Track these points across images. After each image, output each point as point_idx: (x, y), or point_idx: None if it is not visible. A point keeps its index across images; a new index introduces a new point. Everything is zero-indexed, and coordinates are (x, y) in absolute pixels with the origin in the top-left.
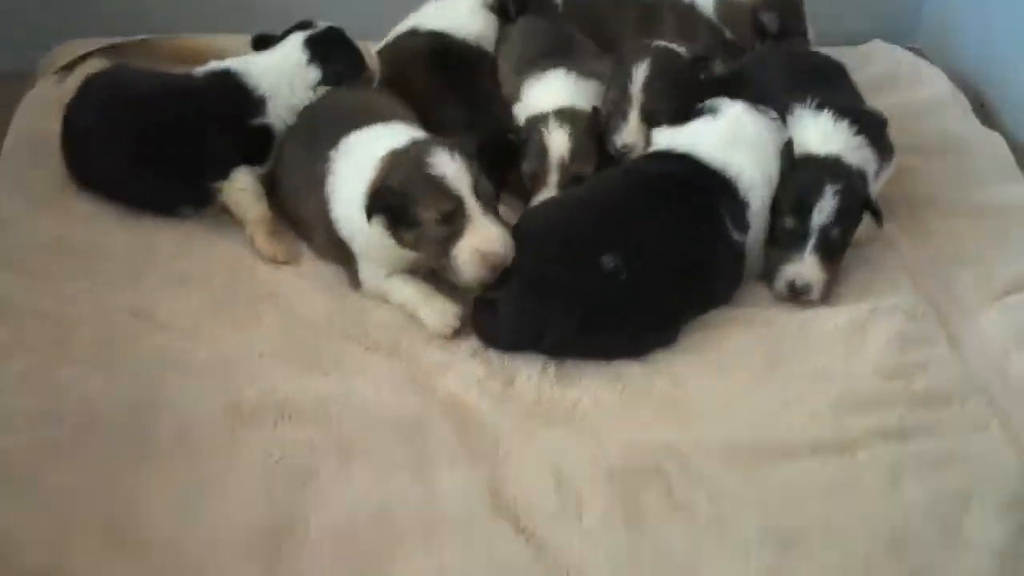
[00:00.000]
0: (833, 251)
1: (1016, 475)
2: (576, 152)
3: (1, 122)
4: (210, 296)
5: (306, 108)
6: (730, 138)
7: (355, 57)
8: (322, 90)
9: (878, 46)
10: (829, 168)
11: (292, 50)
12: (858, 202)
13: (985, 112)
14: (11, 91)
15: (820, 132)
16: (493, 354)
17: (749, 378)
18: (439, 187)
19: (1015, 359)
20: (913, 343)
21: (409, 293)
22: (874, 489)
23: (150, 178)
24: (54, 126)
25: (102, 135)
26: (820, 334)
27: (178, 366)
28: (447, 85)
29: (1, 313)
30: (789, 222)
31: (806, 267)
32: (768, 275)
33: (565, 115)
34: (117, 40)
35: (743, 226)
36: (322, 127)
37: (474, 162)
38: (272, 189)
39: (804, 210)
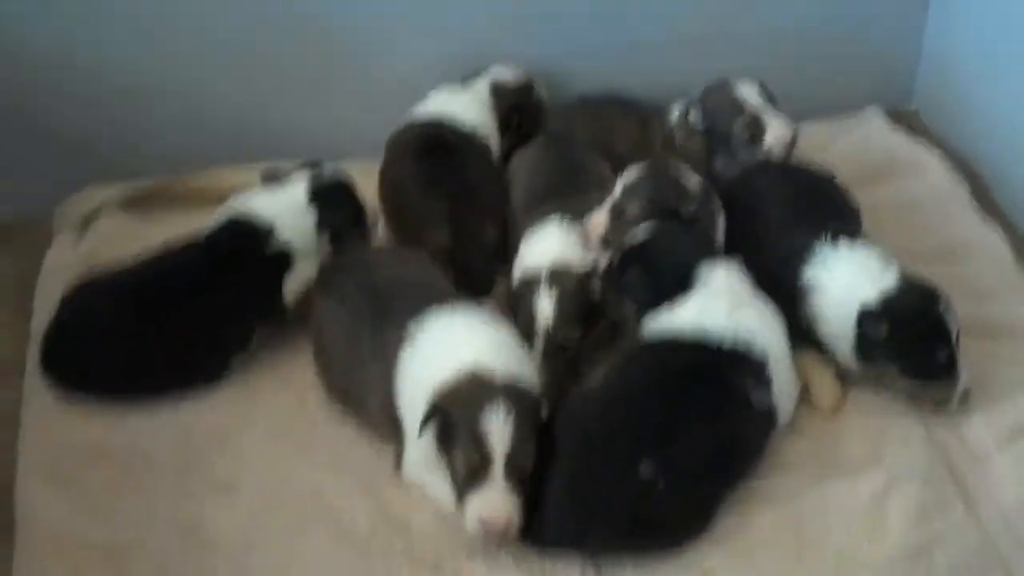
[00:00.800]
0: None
1: None
2: (564, 323)
3: (11, 271)
4: (253, 504)
5: (344, 267)
6: (732, 306)
7: (354, 209)
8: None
9: (872, 117)
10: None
11: (296, 190)
12: None
13: (983, 189)
14: (13, 237)
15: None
16: (535, 561)
17: (779, 568)
18: (478, 441)
19: None
20: (931, 512)
21: (448, 491)
22: None
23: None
24: None
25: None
26: (841, 511)
27: None
28: (434, 171)
29: (55, 546)
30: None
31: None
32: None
33: (556, 277)
34: (132, 184)
35: (767, 384)
36: (391, 294)
37: (527, 429)
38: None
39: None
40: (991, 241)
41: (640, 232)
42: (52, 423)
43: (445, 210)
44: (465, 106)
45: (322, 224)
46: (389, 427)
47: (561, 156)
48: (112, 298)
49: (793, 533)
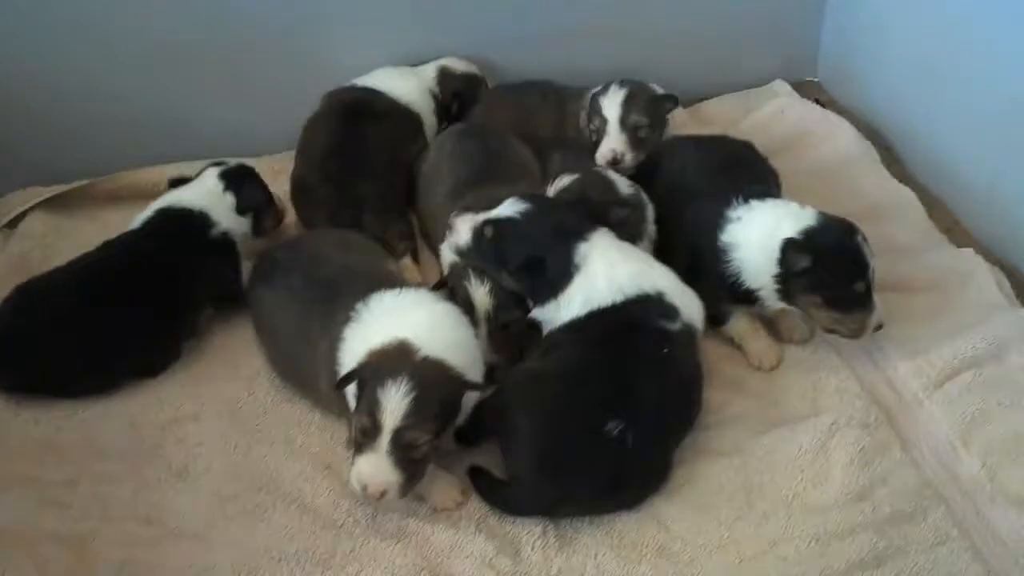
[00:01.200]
0: None
1: None
2: (502, 304)
3: None
4: (213, 490)
5: (284, 257)
6: (618, 269)
7: (264, 191)
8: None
9: (779, 90)
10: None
11: (209, 181)
12: None
13: (891, 154)
14: None
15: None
16: (495, 523)
17: (732, 516)
18: (371, 408)
19: (964, 459)
20: (872, 456)
21: None
22: None
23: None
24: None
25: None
26: (787, 459)
27: None
28: (347, 133)
29: (22, 543)
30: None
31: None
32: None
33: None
34: (57, 188)
35: (675, 311)
36: (340, 281)
37: (428, 409)
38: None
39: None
40: (906, 201)
41: (507, 207)
42: (6, 426)
43: (337, 168)
44: (404, 82)
45: (241, 206)
46: (338, 404)
47: (484, 145)
48: (58, 296)
49: (742, 482)
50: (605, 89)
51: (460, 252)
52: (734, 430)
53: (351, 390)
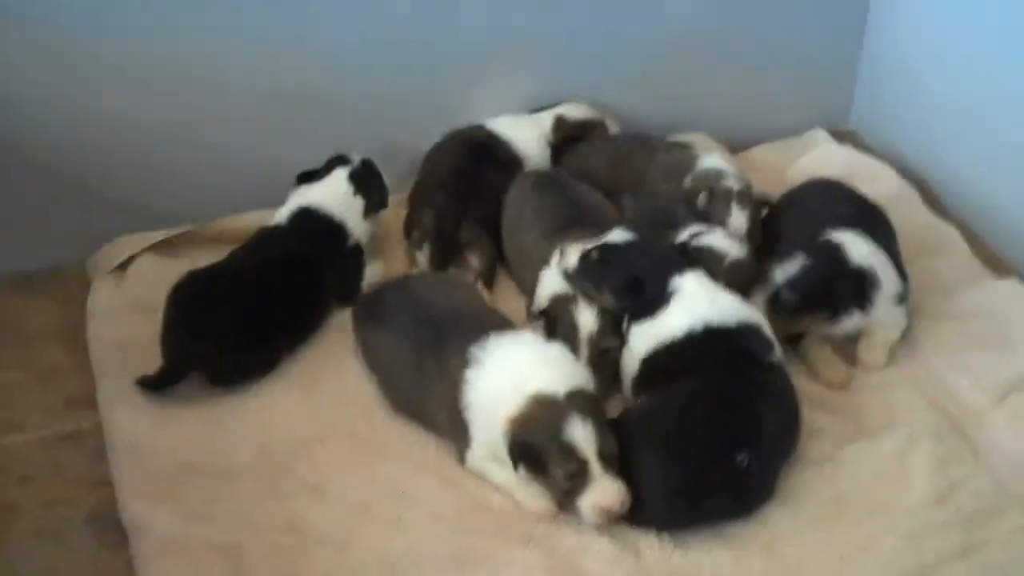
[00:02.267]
0: None
1: None
2: (603, 330)
3: (44, 314)
4: (347, 503)
5: (390, 299)
6: (722, 298)
7: (386, 189)
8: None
9: (820, 137)
10: None
11: (339, 183)
12: None
13: (930, 194)
14: (49, 286)
15: None
16: (614, 527)
17: (827, 518)
18: (570, 452)
19: None
20: (948, 463)
21: (507, 476)
22: None
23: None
24: (134, 331)
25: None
26: (871, 468)
27: None
28: (474, 164)
29: (180, 550)
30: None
31: None
32: None
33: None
34: (163, 233)
35: (773, 344)
36: (443, 320)
37: (602, 423)
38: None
39: None
40: (949, 237)
41: (613, 235)
42: (140, 448)
43: (454, 183)
44: (523, 132)
45: (368, 210)
46: (456, 433)
47: (562, 193)
48: (224, 285)
49: (833, 488)
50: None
51: (567, 274)
52: (819, 442)
53: (483, 423)
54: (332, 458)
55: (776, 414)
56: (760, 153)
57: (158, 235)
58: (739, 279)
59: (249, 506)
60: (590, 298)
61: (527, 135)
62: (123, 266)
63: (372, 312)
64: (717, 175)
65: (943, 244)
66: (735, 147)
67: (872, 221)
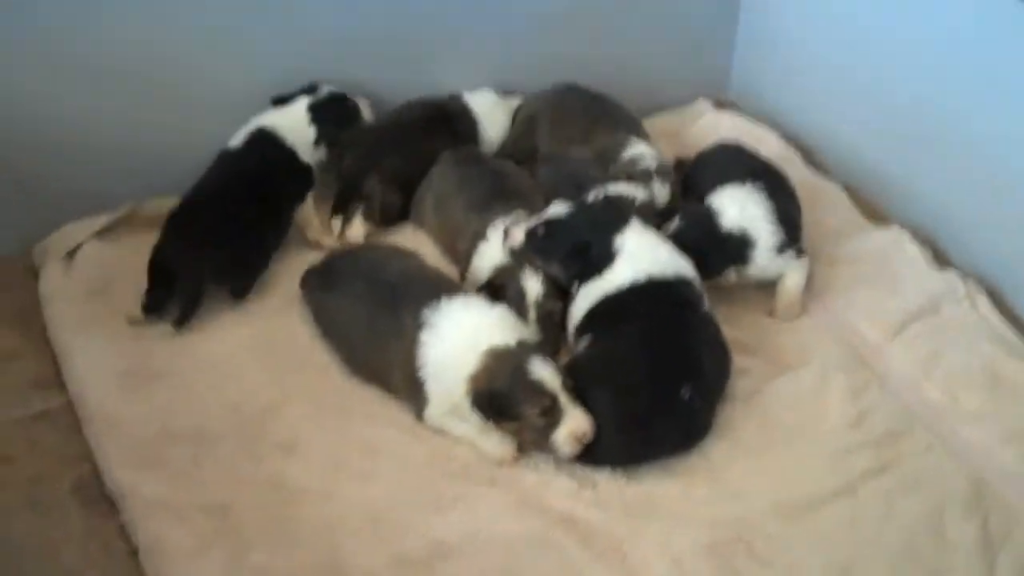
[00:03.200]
0: None
1: (964, 482)
2: (548, 294)
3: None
4: (321, 458)
5: (343, 266)
6: (662, 251)
7: (345, 124)
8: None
9: (704, 107)
10: None
11: (297, 110)
12: None
13: (809, 158)
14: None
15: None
16: (569, 465)
17: (764, 448)
18: (540, 389)
19: (928, 389)
20: (859, 393)
21: (467, 428)
22: (880, 517)
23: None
24: (91, 312)
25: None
26: (793, 399)
27: (339, 530)
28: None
29: (170, 512)
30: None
31: None
32: None
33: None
34: (106, 218)
35: (703, 294)
36: (396, 284)
37: (555, 364)
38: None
39: None
40: (832, 192)
41: (559, 207)
42: (116, 419)
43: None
44: (489, 105)
45: (318, 140)
46: (412, 392)
47: (484, 168)
48: (205, 209)
49: (760, 418)
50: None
51: (515, 252)
52: (745, 380)
53: (439, 382)
54: (301, 418)
55: (710, 354)
56: (649, 126)
57: (102, 220)
58: (647, 217)
59: (231, 467)
60: (536, 267)
61: (497, 116)
62: (70, 254)
63: (325, 280)
64: (633, 161)
65: (828, 199)
66: None
67: (769, 179)
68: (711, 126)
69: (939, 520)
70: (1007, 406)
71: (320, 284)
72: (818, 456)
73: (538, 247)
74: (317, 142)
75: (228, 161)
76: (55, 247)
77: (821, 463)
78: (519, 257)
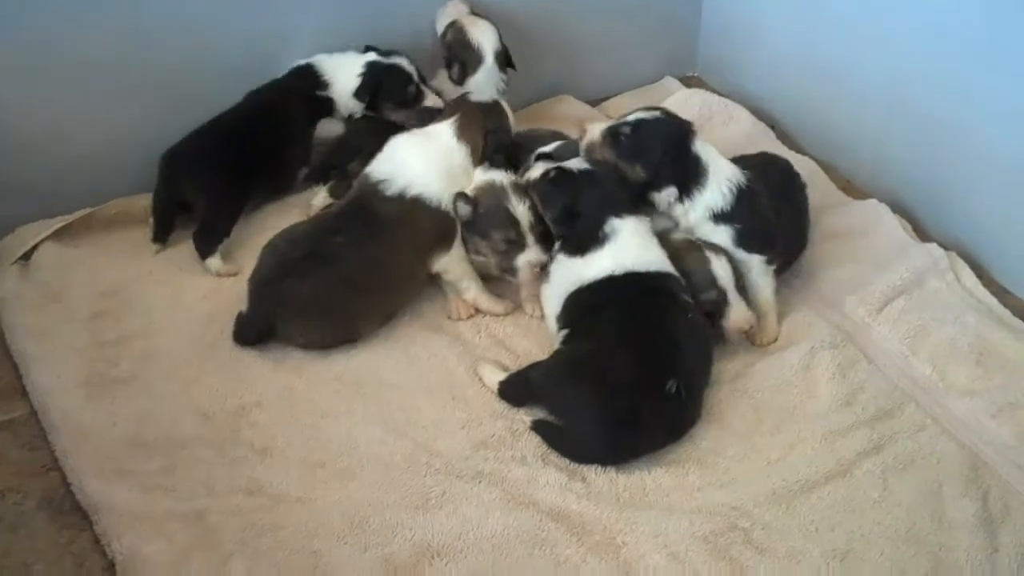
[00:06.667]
0: None
1: (960, 458)
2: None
3: None
4: (298, 460)
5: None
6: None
7: (393, 84)
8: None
9: (672, 85)
10: None
11: (352, 61)
12: None
13: (780, 130)
14: None
15: None
16: (557, 458)
17: (753, 430)
18: (511, 221)
19: (916, 365)
20: (847, 371)
21: (475, 286)
22: (876, 497)
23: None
24: (51, 316)
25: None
26: (781, 380)
27: (321, 535)
28: None
29: (146, 522)
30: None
31: None
32: None
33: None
34: (62, 220)
35: (685, 289)
36: None
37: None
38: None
39: None
40: (807, 167)
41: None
42: (83, 428)
43: None
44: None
45: (358, 93)
46: (439, 239)
47: None
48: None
49: (749, 402)
50: None
51: (528, 183)
52: (732, 363)
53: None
54: (274, 419)
55: (693, 343)
56: (618, 103)
57: (57, 221)
58: None
59: (204, 474)
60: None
61: None
62: (25, 256)
63: (283, 266)
64: None
65: (805, 175)
66: (593, 100)
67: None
68: (681, 103)
69: (937, 499)
70: (996, 379)
71: (284, 271)
72: (810, 438)
73: (541, 191)
74: (356, 94)
75: (259, 91)
76: (9, 249)
77: (813, 444)
78: (528, 192)
